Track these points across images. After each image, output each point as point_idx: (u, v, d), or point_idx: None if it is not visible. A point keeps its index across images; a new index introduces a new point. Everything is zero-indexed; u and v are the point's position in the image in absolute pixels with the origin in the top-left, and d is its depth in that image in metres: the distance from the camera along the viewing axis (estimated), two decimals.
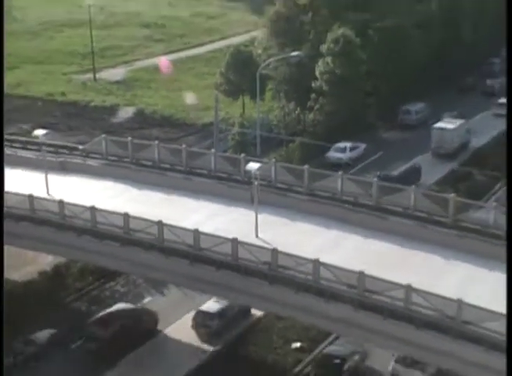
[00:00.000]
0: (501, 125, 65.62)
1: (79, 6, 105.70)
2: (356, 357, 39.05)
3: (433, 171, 62.66)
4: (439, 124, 68.63)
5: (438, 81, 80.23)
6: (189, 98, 79.47)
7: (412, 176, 59.21)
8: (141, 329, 42.17)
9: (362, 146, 66.73)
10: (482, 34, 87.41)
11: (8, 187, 40.64)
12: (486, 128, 71.46)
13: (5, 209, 39.83)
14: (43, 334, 42.12)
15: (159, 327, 43.08)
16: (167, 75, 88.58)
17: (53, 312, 44.24)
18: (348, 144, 65.88)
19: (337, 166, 62.57)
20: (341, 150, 65.30)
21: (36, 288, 46.03)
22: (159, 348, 41.41)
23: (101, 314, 43.02)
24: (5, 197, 40.02)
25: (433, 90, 78.51)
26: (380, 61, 69.93)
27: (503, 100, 75.47)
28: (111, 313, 42.70)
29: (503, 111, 71.96)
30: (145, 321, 42.86)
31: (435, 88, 79.26)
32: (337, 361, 38.42)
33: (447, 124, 68.76)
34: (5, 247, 46.45)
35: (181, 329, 42.93)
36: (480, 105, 79.05)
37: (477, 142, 68.83)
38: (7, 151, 48.57)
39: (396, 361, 37.67)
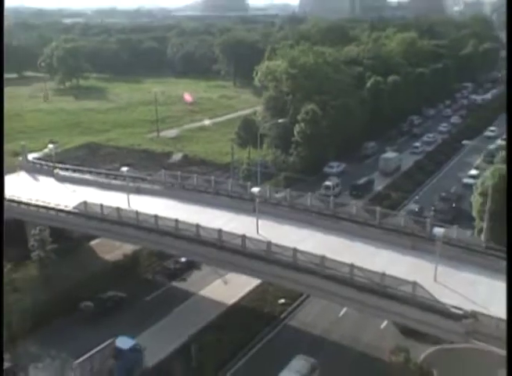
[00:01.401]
0: (415, 159, 73.69)
1: (149, 92, 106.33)
2: None
3: (380, 182, 65.06)
4: (384, 155, 71.66)
5: (377, 133, 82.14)
6: (216, 147, 79.53)
7: (370, 184, 63.12)
8: None
9: (343, 164, 68.69)
10: (401, 105, 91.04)
11: (104, 202, 40.33)
12: (408, 160, 73.73)
13: (103, 216, 39.55)
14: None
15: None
16: (204, 134, 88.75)
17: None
18: (336, 163, 67.96)
19: (330, 175, 64.95)
20: (332, 167, 67.53)
21: (124, 262, 45.14)
22: None
23: None
24: (104, 209, 39.68)
25: (375, 138, 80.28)
26: (335, 125, 69.96)
27: (416, 144, 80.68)
28: None
29: (416, 151, 77.91)
30: None
31: (375, 137, 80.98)
32: None
33: (389, 155, 72.22)
34: (102, 239, 46.87)
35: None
36: (407, 144, 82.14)
37: (404, 167, 70.91)
38: (104, 180, 48.57)
39: None
